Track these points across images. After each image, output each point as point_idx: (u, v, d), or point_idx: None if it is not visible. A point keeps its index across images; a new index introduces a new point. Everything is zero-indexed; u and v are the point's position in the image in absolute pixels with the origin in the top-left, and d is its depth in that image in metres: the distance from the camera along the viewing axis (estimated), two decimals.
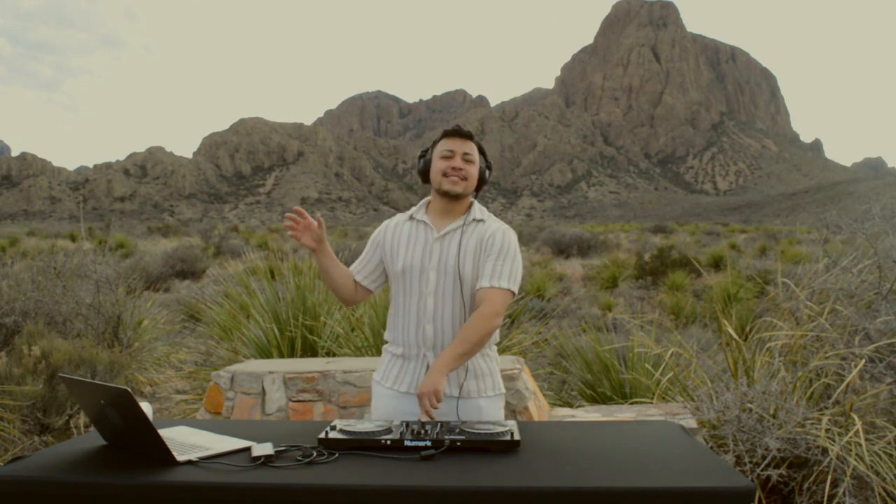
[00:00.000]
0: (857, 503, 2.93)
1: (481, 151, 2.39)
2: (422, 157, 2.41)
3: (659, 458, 1.78)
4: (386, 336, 2.43)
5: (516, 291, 2.26)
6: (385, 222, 2.46)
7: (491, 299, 2.19)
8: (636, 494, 1.54)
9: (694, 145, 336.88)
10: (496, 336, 2.37)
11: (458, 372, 2.27)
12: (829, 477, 2.89)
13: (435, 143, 2.38)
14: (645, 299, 13.80)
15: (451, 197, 2.30)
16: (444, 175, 2.29)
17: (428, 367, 2.28)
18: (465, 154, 2.30)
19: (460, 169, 2.28)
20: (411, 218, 2.38)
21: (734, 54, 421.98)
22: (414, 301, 2.29)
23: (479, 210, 2.37)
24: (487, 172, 2.40)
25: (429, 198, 2.42)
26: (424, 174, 2.39)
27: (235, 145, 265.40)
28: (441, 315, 2.26)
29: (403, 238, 2.35)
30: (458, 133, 2.32)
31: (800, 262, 9.99)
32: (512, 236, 2.33)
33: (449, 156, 2.30)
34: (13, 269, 6.64)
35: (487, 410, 2.30)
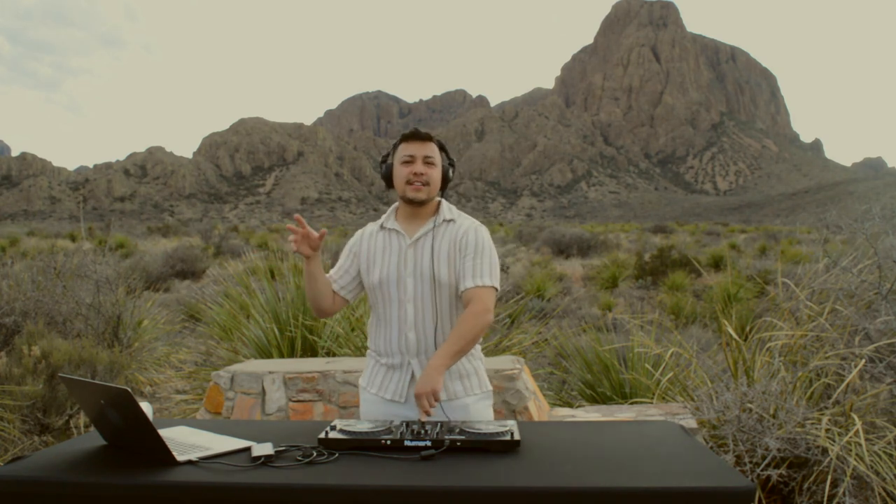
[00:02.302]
0: (857, 503, 2.93)
1: (442, 149, 2.34)
2: (383, 161, 2.37)
3: (659, 458, 1.78)
4: (369, 344, 2.41)
5: (498, 287, 2.26)
6: (359, 232, 2.42)
7: (479, 297, 2.18)
8: (636, 494, 1.54)
9: (694, 145, 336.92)
10: None
11: (444, 378, 2.23)
12: (829, 477, 2.89)
13: (395, 147, 2.33)
14: (645, 299, 13.80)
15: (416, 204, 2.28)
16: (408, 183, 2.25)
17: (413, 374, 2.26)
18: (426, 157, 2.26)
19: (422, 174, 2.24)
20: (382, 227, 2.35)
21: (734, 54, 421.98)
22: (394, 309, 2.26)
23: (447, 210, 2.34)
24: (451, 171, 2.35)
25: (396, 204, 2.38)
26: (388, 179, 2.36)
27: (235, 145, 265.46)
28: (422, 321, 2.24)
29: (378, 249, 2.32)
30: (416, 136, 2.27)
31: (800, 262, 9.99)
32: (484, 233, 2.30)
33: (409, 161, 2.26)
34: (13, 269, 6.64)
35: (474, 410, 2.29)
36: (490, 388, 2.37)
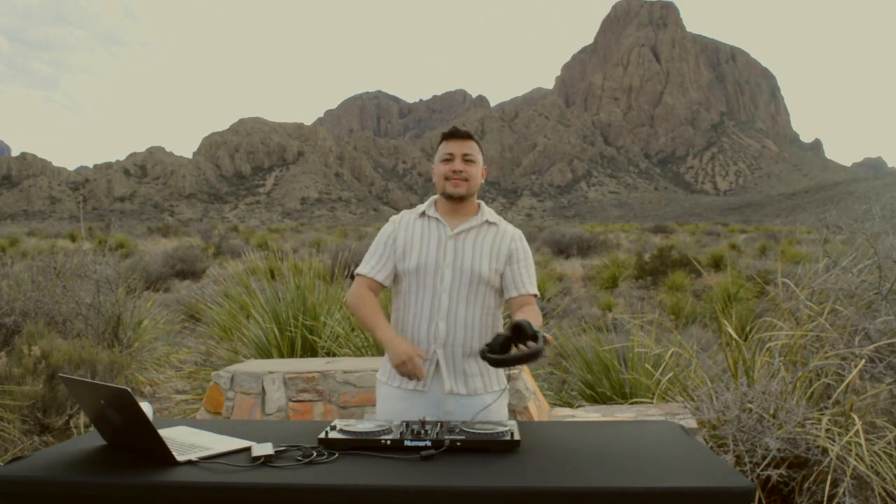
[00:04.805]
0: (857, 503, 2.93)
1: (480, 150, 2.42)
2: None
3: (659, 458, 1.78)
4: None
5: None
6: (394, 219, 2.45)
7: (533, 305, 2.34)
8: (636, 494, 1.54)
9: (694, 145, 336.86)
10: None
11: (466, 372, 2.31)
12: (829, 477, 2.89)
13: (437, 147, 2.41)
14: (645, 299, 13.80)
15: (457, 199, 2.33)
16: (447, 179, 2.32)
17: (437, 363, 2.30)
18: (465, 155, 2.33)
19: (461, 171, 2.31)
20: (423, 214, 2.40)
21: (734, 54, 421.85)
22: (427, 298, 2.30)
23: (489, 212, 2.42)
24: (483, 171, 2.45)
25: (435, 197, 2.44)
26: None
27: (235, 145, 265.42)
28: (455, 313, 2.29)
29: (416, 235, 2.36)
30: (456, 134, 2.35)
31: (800, 262, 9.99)
32: (526, 242, 2.43)
33: (449, 159, 2.33)
34: (13, 269, 6.65)
35: (494, 407, 2.32)
36: (507, 384, 2.42)
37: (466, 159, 2.33)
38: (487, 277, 2.30)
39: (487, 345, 1.97)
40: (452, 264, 2.30)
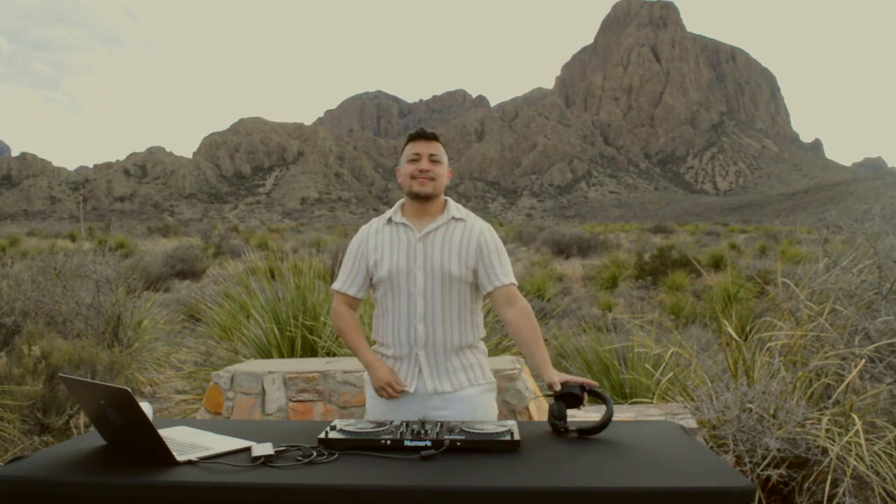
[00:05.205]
0: (857, 503, 2.93)
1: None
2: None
3: (659, 458, 1.78)
4: (373, 337, 2.45)
5: None
6: (362, 230, 2.47)
7: (516, 294, 2.35)
8: (636, 494, 1.54)
9: (694, 145, 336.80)
10: (482, 330, 2.43)
11: (448, 369, 2.32)
12: (829, 477, 2.89)
13: (403, 148, 2.43)
14: (645, 299, 13.80)
15: (423, 198, 2.34)
16: (413, 178, 2.33)
17: (420, 366, 2.31)
18: (432, 155, 2.35)
19: (427, 170, 2.33)
20: (390, 221, 2.41)
21: (734, 54, 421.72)
22: (403, 302, 2.32)
23: (455, 208, 2.42)
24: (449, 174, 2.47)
25: (402, 200, 2.45)
26: None
27: (235, 145, 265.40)
28: (431, 314, 2.30)
29: (386, 243, 2.37)
30: (422, 136, 2.37)
31: (800, 262, 10.00)
32: (495, 233, 2.44)
33: (415, 159, 2.35)
34: (13, 269, 6.65)
35: (479, 400, 2.34)
36: (493, 380, 2.43)
37: (433, 159, 2.34)
38: (458, 275, 2.30)
39: (554, 416, 2.07)
40: (423, 266, 2.31)
